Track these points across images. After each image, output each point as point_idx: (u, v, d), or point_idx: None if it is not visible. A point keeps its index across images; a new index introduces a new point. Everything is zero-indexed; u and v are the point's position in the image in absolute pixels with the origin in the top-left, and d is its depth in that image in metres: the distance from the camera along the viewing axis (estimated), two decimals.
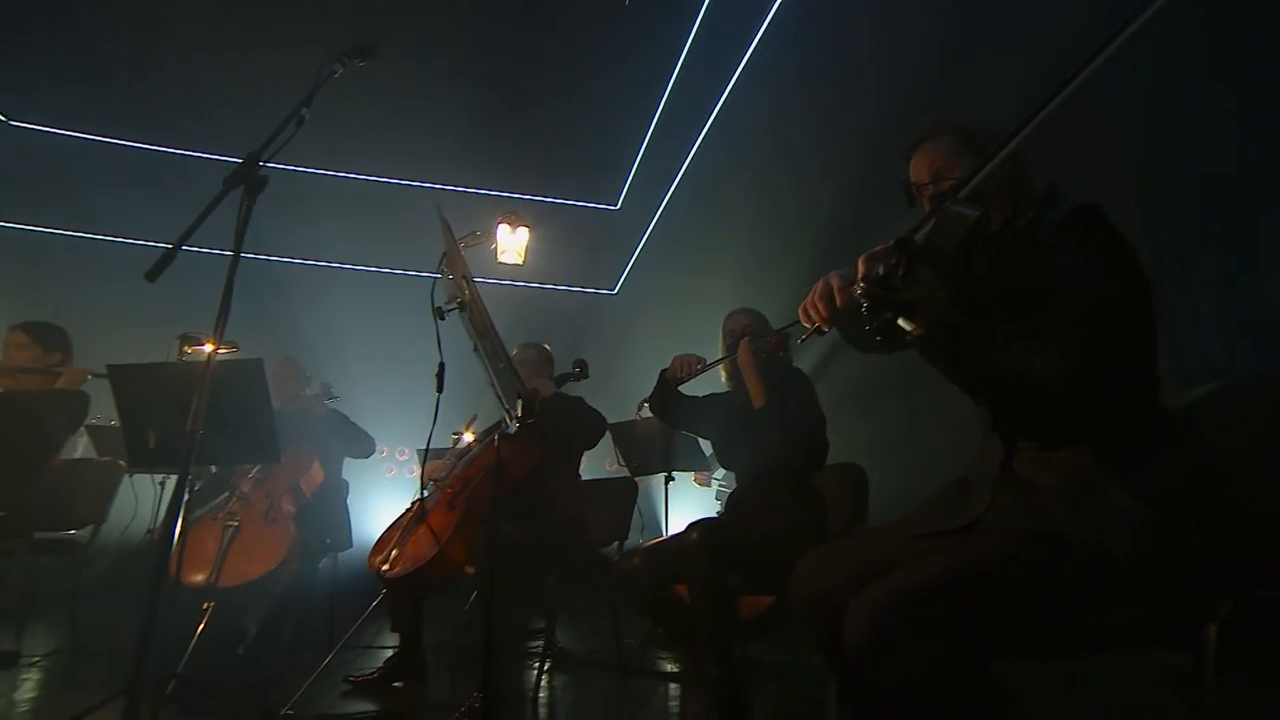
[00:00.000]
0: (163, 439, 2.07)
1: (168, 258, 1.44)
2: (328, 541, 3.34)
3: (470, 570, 2.48)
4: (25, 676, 2.71)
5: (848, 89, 3.93)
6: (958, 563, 0.95)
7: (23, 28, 4.28)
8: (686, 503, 4.99)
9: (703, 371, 2.38)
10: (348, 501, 3.59)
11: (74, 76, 4.64)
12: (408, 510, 2.54)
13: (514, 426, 1.42)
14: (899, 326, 0.99)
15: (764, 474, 2.21)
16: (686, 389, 2.48)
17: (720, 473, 4.59)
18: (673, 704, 2.56)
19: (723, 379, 2.52)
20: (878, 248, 1.02)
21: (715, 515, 2.32)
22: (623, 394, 4.40)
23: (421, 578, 2.29)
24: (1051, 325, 0.99)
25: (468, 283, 1.32)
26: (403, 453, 6.18)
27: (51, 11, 4.15)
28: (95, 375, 2.86)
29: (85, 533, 3.10)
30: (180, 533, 3.09)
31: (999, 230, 1.17)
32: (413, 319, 5.53)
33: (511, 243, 5.10)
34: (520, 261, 5.16)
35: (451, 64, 4.57)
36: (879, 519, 2.37)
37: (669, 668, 3.06)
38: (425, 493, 2.53)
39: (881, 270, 0.97)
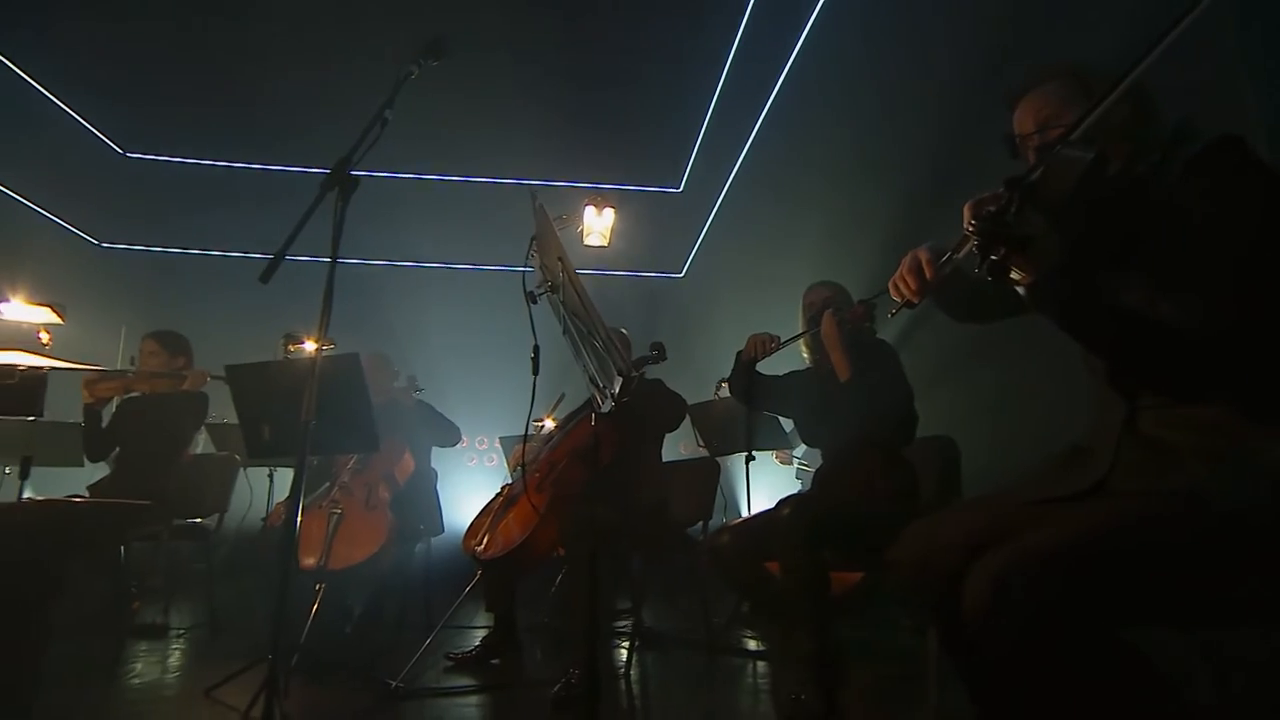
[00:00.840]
0: (276, 431, 2.23)
1: (277, 260, 1.55)
2: (421, 527, 3.52)
3: (560, 552, 2.56)
4: (174, 647, 3.02)
5: (916, 52, 3.75)
6: (1086, 527, 0.90)
7: (130, 68, 4.65)
8: (767, 482, 4.95)
9: (780, 349, 2.35)
10: (437, 488, 3.75)
11: (175, 107, 5.02)
12: (498, 495, 2.63)
13: (608, 405, 1.44)
14: (1009, 271, 0.95)
15: (852, 449, 2.16)
16: (764, 368, 2.46)
17: (800, 450, 4.53)
18: (762, 682, 2.57)
19: (803, 355, 2.47)
20: (985, 194, 0.98)
21: (804, 491, 2.29)
22: (698, 375, 4.41)
23: (515, 560, 2.38)
24: (1187, 271, 0.92)
25: (562, 262, 1.34)
26: (482, 442, 6.41)
27: (152, 49, 4.48)
28: (214, 377, 3.11)
29: (212, 520, 3.40)
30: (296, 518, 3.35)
31: (1119, 173, 1.09)
32: (489, 313, 5.78)
33: (598, 224, 5.17)
34: (605, 243, 5.23)
35: (511, 59, 4.63)
36: (971, 491, 2.29)
37: (756, 645, 3.07)
38: (514, 478, 2.63)
39: (993, 209, 0.93)
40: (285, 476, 4.19)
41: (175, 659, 2.84)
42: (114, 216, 5.93)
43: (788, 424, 3.86)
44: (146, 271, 6.15)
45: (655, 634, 3.16)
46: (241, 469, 3.67)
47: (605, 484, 2.55)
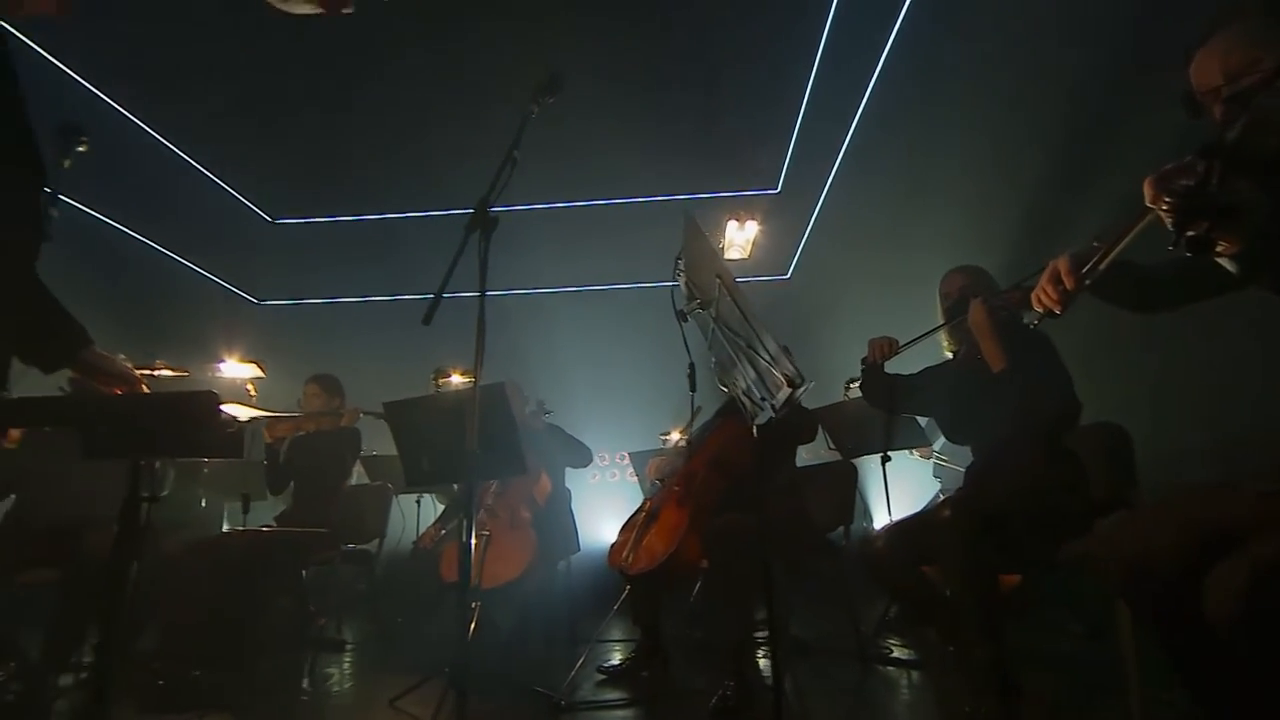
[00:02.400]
0: (434, 460, 2.41)
1: (436, 302, 1.68)
2: (562, 545, 3.65)
3: (704, 564, 2.57)
4: (349, 660, 3.30)
5: (1028, 24, 3.51)
6: None
7: (273, 143, 5.22)
8: (903, 481, 4.73)
9: (912, 345, 2.26)
10: (572, 507, 3.88)
11: (314, 175, 5.56)
12: (640, 509, 2.68)
13: (766, 416, 1.44)
14: (1214, 245, 0.87)
15: (1012, 443, 2.02)
16: (893, 365, 2.37)
17: (939, 443, 4.30)
18: (920, 692, 2.45)
19: (943, 347, 2.36)
20: (1168, 166, 0.90)
21: (961, 490, 2.17)
22: (816, 377, 4.30)
23: (661, 574, 2.41)
24: None
25: (720, 278, 1.36)
26: (603, 458, 6.57)
27: (290, 123, 5.00)
28: (365, 413, 3.42)
29: (373, 545, 3.70)
30: (441, 539, 3.59)
31: None
32: (612, 331, 5.93)
33: (739, 238, 5.24)
34: (746, 256, 5.29)
35: (606, 83, 4.75)
36: (1151, 483, 2.08)
37: (908, 654, 2.93)
38: (648, 492, 2.67)
39: (1189, 182, 0.86)
40: (430, 502, 4.52)
41: (356, 670, 3.11)
42: (268, 276, 6.67)
43: (922, 419, 3.69)
44: (300, 322, 6.85)
45: (804, 643, 3.09)
46: (394, 497, 3.98)
47: (743, 492, 2.54)
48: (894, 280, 5.11)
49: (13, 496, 2.73)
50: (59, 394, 2.14)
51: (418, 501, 4.45)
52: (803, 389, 1.27)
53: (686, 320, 1.60)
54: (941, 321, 2.33)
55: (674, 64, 4.91)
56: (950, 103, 4.24)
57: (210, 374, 3.67)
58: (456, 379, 3.27)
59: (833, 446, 3.45)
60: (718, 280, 1.37)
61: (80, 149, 1.67)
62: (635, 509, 2.75)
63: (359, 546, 3.63)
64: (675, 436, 3.28)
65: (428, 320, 1.64)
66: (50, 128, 1.53)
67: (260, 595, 2.87)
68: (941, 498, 4.51)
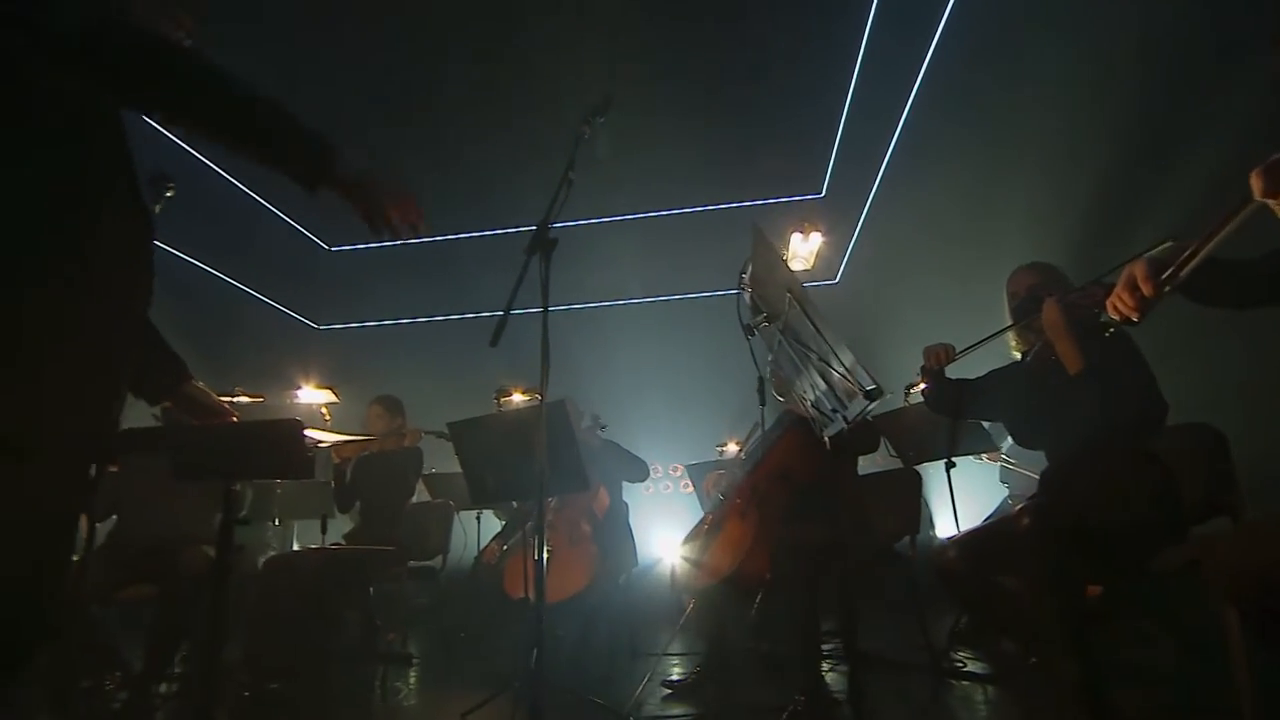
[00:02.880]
0: (498, 479, 2.45)
1: (502, 324, 1.71)
2: (622, 559, 3.66)
3: (768, 576, 2.54)
4: (415, 674, 3.37)
5: (1088, 15, 3.39)
6: None
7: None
8: (969, 487, 4.58)
9: (974, 350, 2.19)
10: (629, 521, 3.89)
11: None
12: (701, 523, 2.67)
13: (836, 428, 1.42)
14: None
15: (1092, 448, 1.93)
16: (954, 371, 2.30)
17: (1005, 445, 4.15)
18: (997, 708, 2.36)
19: (1010, 347, 2.28)
20: (1277, 157, 0.87)
21: (1038, 498, 2.08)
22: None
23: (728, 587, 2.40)
24: None
25: (791, 292, 1.36)
26: (655, 469, 6.57)
27: (352, 154, 5.21)
28: (427, 432, 3.50)
29: (437, 561, 3.78)
30: (504, 555, 3.64)
31: None
32: (661, 344, 5.94)
33: (803, 249, 5.25)
34: (809, 267, 5.29)
35: (653, 96, 4.78)
36: (1251, 486, 1.96)
37: (979, 667, 2.82)
38: (705, 506, 2.66)
39: None
40: (489, 517, 4.59)
41: (423, 684, 3.18)
42: (327, 301, 6.94)
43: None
44: (358, 344, 7.10)
45: (873, 656, 3.02)
46: (455, 514, 4.06)
47: (807, 504, 2.50)
48: (948, 282, 4.99)
49: (113, 517, 2.90)
50: (155, 423, 2.26)
51: (478, 518, 4.52)
52: (878, 401, 1.25)
53: (754, 335, 1.60)
54: (1009, 322, 2.26)
55: (715, 75, 4.92)
56: (1005, 94, 4.12)
57: (288, 400, 3.84)
58: (518, 397, 3.33)
59: (894, 453, 3.37)
60: (788, 295, 1.36)
61: (169, 194, 1.78)
62: (695, 522, 2.75)
63: (424, 563, 3.71)
64: (732, 448, 3.25)
65: (494, 342, 1.68)
66: (144, 176, 1.63)
67: (332, 610, 2.96)
68: (1010, 503, 4.35)
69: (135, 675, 2.51)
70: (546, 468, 1.73)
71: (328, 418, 3.44)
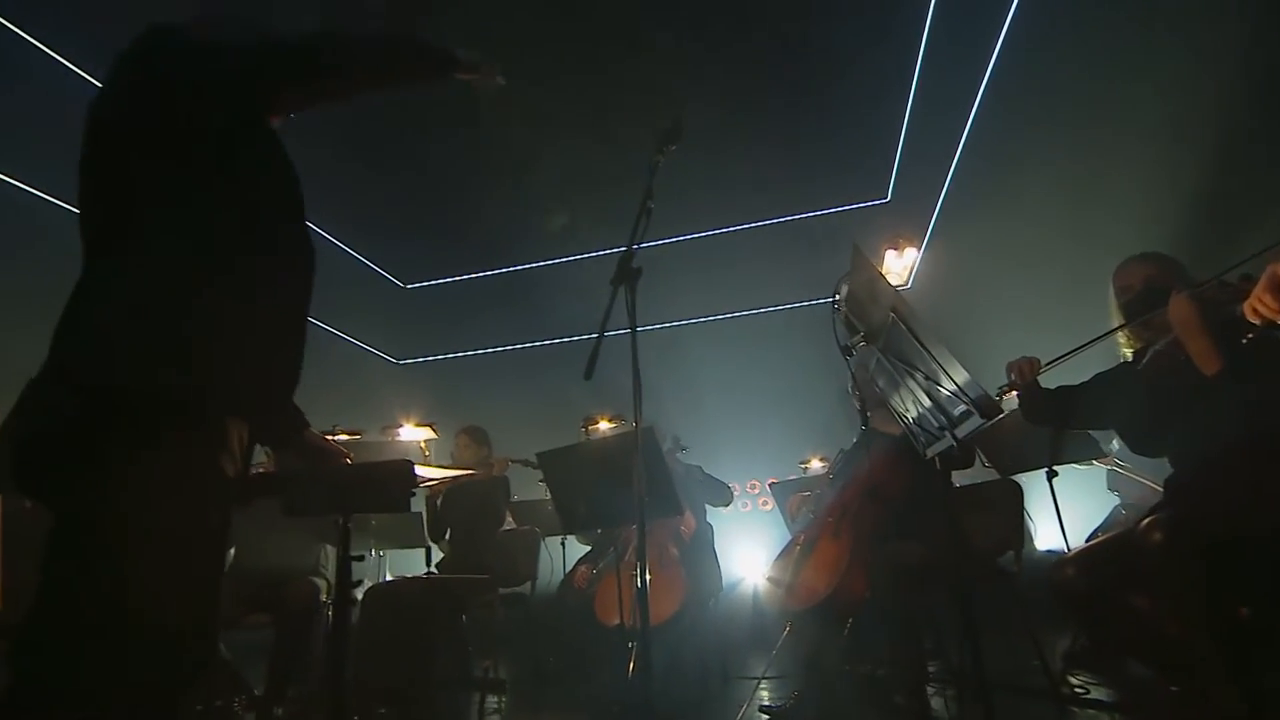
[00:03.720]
0: (590, 505, 2.48)
1: (594, 357, 1.75)
2: (710, 582, 3.62)
3: (866, 594, 2.46)
4: (505, 699, 3.42)
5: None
6: None
7: (400, 213, 5.70)
8: (1074, 495, 4.30)
9: (1073, 356, 2.05)
10: (714, 545, 3.85)
11: (439, 238, 6.02)
12: (793, 543, 2.63)
13: (940, 447, 1.38)
14: None
15: (1234, 456, 1.76)
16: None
17: (1114, 446, 3.87)
18: None
19: (1121, 345, 2.13)
20: None
21: (1169, 511, 1.92)
22: None
23: (825, 608, 2.34)
24: None
25: (896, 310, 1.34)
26: (734, 487, 6.48)
27: (416, 191, 5.45)
28: (514, 461, 3.59)
29: (526, 588, 3.84)
30: (594, 579, 3.66)
31: None
32: (738, 361, 5.90)
33: (897, 265, 5.18)
34: (904, 283, 5.21)
35: (717, 110, 4.78)
36: None
37: (1104, 694, 2.62)
38: (792, 528, 2.61)
39: None
40: (573, 543, 4.63)
41: (516, 709, 3.21)
42: (405, 336, 7.24)
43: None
44: (439, 377, 7.32)
45: (983, 680, 2.86)
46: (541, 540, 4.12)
47: (902, 522, 2.42)
48: (1030, 287, 4.76)
49: (232, 550, 3.10)
50: (265, 464, 2.41)
51: (562, 543, 4.57)
52: (998, 418, 1.20)
53: (852, 355, 1.57)
54: (1113, 321, 2.12)
55: (778, 91, 4.90)
56: (1088, 78, 3.91)
57: (391, 438, 4.02)
58: (604, 425, 3.37)
59: (989, 464, 3.21)
60: (891, 315, 1.32)
61: None
62: (776, 541, 2.70)
63: (514, 589, 3.78)
64: (816, 465, 3.18)
65: (589, 375, 1.71)
66: None
67: (430, 637, 3.05)
68: (1124, 513, 4.05)
69: (258, 697, 2.66)
70: (644, 493, 1.74)
71: (426, 453, 3.58)
